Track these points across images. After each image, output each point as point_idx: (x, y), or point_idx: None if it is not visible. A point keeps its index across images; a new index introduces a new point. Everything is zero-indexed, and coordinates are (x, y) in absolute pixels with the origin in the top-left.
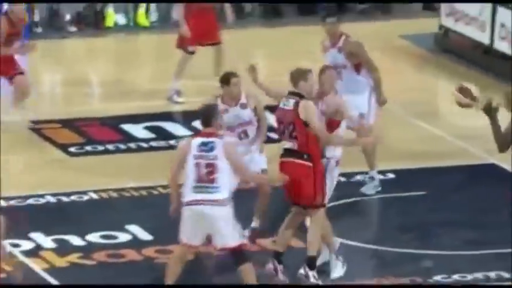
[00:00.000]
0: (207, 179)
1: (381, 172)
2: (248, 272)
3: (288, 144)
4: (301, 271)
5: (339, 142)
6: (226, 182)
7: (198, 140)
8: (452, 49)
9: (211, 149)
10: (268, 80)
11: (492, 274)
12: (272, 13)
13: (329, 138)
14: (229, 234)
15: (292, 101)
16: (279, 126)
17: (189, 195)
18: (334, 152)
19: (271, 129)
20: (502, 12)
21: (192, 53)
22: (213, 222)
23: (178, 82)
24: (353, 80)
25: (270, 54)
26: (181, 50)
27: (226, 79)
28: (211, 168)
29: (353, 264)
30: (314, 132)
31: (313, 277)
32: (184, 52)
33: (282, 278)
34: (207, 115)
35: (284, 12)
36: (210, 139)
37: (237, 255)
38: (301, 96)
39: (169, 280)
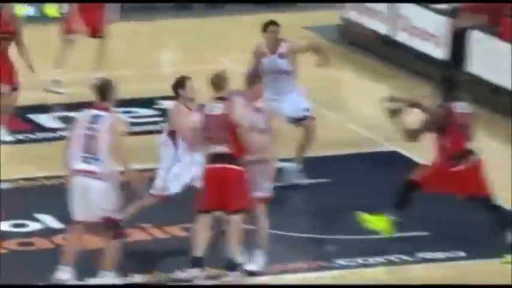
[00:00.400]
0: (90, 150)
1: (287, 160)
2: (111, 251)
3: (216, 149)
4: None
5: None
6: (106, 157)
7: (91, 112)
8: (355, 40)
9: (99, 123)
10: (178, 70)
11: (393, 257)
12: (182, 5)
13: (250, 143)
14: (105, 207)
15: (219, 105)
16: (205, 131)
17: (73, 163)
18: None
19: None
20: (403, 4)
21: (73, 41)
22: (90, 194)
23: (59, 71)
24: (291, 83)
25: (180, 45)
26: (64, 37)
27: (181, 82)
28: (95, 141)
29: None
30: (241, 132)
31: (235, 276)
32: (65, 40)
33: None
34: (104, 89)
35: (194, 4)
36: (102, 113)
37: (109, 228)
38: (225, 100)
39: (66, 261)
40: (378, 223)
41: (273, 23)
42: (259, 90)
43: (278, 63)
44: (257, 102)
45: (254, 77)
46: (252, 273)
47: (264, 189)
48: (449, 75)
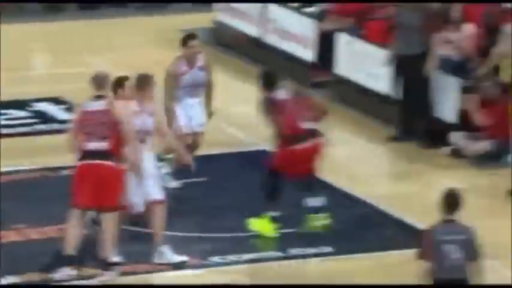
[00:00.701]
0: None
1: (162, 160)
2: None
3: (93, 146)
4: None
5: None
6: None
7: None
8: (227, 42)
9: None
10: (50, 73)
11: (265, 254)
12: (52, 7)
13: (134, 144)
14: None
15: (101, 102)
16: (83, 127)
17: None
18: None
19: None
20: (272, 7)
21: None
22: None
23: None
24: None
25: (51, 48)
26: None
27: (120, 82)
28: None
29: (135, 248)
30: (124, 132)
31: (110, 276)
32: None
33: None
34: None
35: (65, 7)
36: None
37: None
38: (105, 98)
39: None
40: (263, 226)
41: (193, 36)
42: (151, 94)
43: (198, 76)
44: (148, 106)
45: (144, 81)
46: (180, 264)
47: (158, 191)
48: (268, 70)
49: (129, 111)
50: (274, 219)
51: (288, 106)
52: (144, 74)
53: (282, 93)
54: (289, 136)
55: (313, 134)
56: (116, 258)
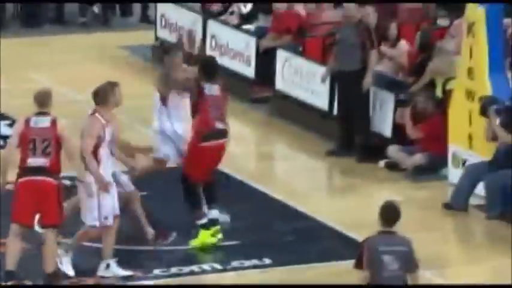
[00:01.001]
0: None
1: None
2: None
3: (35, 162)
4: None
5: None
6: None
7: None
8: None
9: None
10: None
11: (206, 266)
12: None
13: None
14: None
15: (45, 118)
16: (26, 143)
17: None
18: None
19: None
20: (212, 24)
21: None
22: None
23: None
24: None
25: None
26: None
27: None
28: None
29: (81, 262)
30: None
31: None
32: None
33: None
34: None
35: (8, 24)
36: None
37: None
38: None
39: None
40: (202, 240)
41: (178, 46)
42: (111, 106)
43: None
44: (108, 117)
45: (105, 94)
46: (125, 278)
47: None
48: (208, 59)
49: (101, 124)
50: (205, 226)
51: (211, 102)
52: (102, 86)
53: (214, 89)
54: (203, 132)
55: (223, 134)
56: (59, 270)
